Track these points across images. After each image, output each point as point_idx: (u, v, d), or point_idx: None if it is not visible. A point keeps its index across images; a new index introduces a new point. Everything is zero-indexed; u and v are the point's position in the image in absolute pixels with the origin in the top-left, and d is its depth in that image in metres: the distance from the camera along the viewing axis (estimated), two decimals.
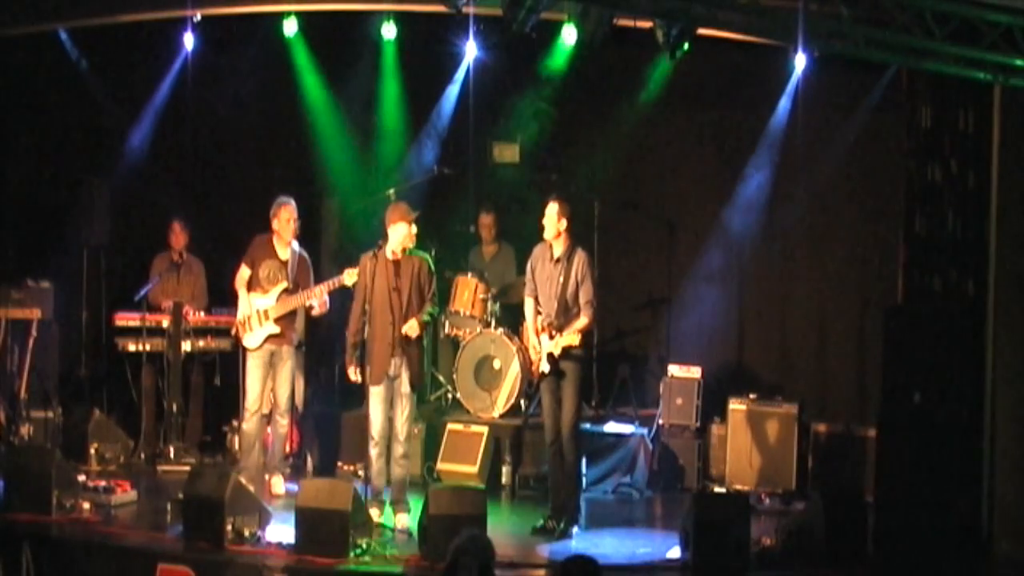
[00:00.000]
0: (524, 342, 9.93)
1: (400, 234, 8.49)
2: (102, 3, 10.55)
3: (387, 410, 8.55)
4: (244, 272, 9.44)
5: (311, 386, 10.82)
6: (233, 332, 9.60)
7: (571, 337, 8.37)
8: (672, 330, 10.98)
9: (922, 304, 8.80)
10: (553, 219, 8.48)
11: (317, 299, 9.33)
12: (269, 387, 9.47)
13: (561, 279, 8.48)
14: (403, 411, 8.54)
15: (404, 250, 8.52)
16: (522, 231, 11.02)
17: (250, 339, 9.36)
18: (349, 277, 8.87)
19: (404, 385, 8.52)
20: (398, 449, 8.58)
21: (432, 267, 8.71)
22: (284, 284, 9.35)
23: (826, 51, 9.13)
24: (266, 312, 9.33)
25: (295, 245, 9.50)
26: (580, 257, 8.52)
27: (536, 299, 8.67)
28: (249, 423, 9.41)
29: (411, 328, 8.43)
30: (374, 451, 8.58)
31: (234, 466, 9.65)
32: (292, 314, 9.45)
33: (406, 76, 11.34)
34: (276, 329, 9.34)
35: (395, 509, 8.60)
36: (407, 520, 8.48)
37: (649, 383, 10.87)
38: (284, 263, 9.42)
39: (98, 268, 10.92)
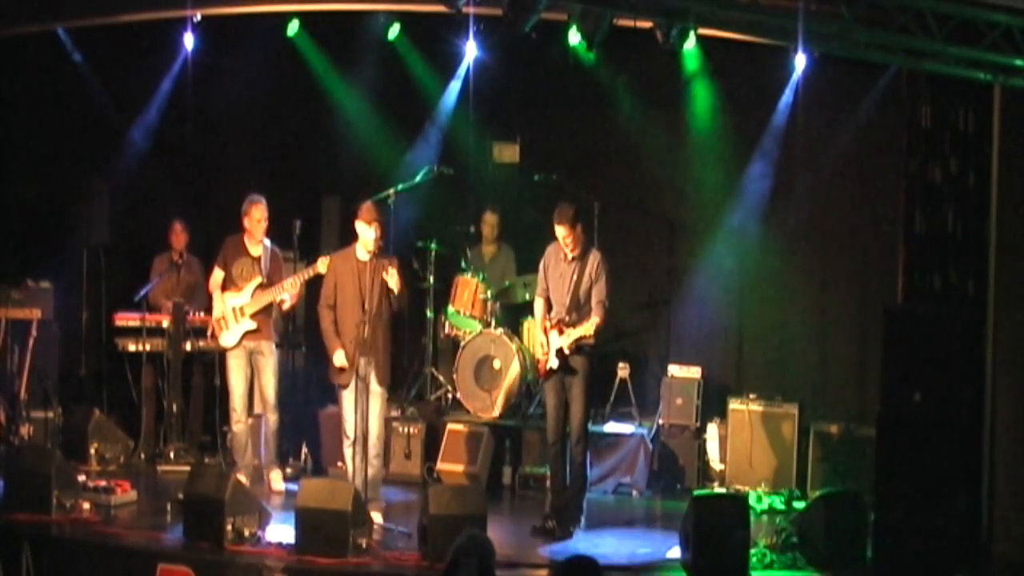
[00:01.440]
0: (525, 342, 9.97)
1: (361, 233, 8.46)
2: (102, 3, 10.54)
3: (362, 409, 8.49)
4: (217, 274, 9.50)
5: (310, 386, 10.80)
6: (209, 332, 9.63)
7: (584, 328, 8.32)
8: (672, 330, 10.97)
9: (922, 304, 8.80)
10: (569, 236, 8.41)
11: (290, 291, 9.31)
12: (256, 386, 9.48)
13: (574, 277, 8.46)
14: (374, 410, 8.51)
15: (375, 250, 8.45)
16: (522, 231, 11.05)
17: (227, 338, 9.39)
18: (323, 264, 8.85)
19: (373, 384, 8.51)
20: (371, 449, 8.55)
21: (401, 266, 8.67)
22: (258, 279, 9.39)
23: (826, 51, 9.15)
24: (241, 309, 9.37)
25: (266, 241, 9.53)
26: (595, 257, 8.49)
27: (547, 299, 8.65)
28: (238, 424, 9.45)
29: (391, 278, 8.38)
30: (349, 451, 8.56)
31: (233, 466, 9.66)
32: (269, 309, 9.45)
33: (406, 76, 11.34)
34: (253, 325, 9.36)
35: (368, 508, 8.55)
36: (378, 518, 8.45)
37: (649, 383, 10.86)
38: (256, 259, 9.46)
39: (98, 268, 10.92)
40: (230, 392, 9.46)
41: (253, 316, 9.37)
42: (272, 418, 9.52)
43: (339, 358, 8.52)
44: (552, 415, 8.62)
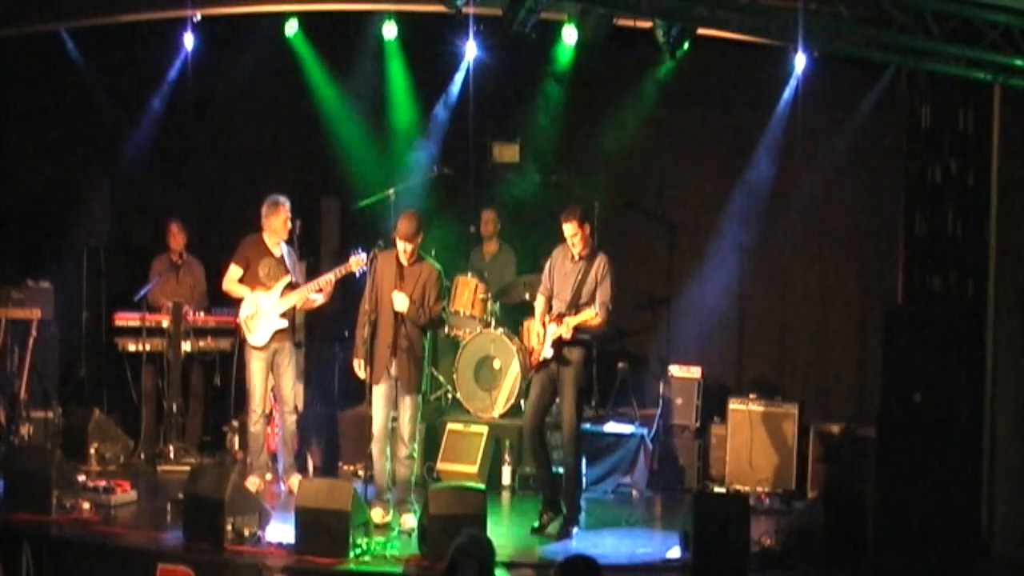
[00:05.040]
0: (525, 341, 9.97)
1: (400, 247, 8.50)
2: (102, 3, 10.54)
3: (389, 410, 8.57)
4: (235, 272, 9.41)
5: (310, 386, 10.82)
6: (239, 332, 9.53)
7: (585, 314, 8.32)
8: (672, 330, 10.97)
9: (922, 304, 8.80)
10: (577, 235, 8.41)
11: (326, 289, 9.30)
12: (271, 386, 9.48)
13: (579, 276, 8.46)
14: (406, 412, 8.55)
15: (413, 256, 8.50)
16: (522, 231, 11.06)
17: (257, 337, 9.34)
18: (356, 265, 8.88)
19: (402, 388, 8.53)
20: (402, 450, 8.58)
21: (442, 278, 8.68)
22: (288, 278, 9.38)
23: (826, 51, 9.14)
24: (272, 308, 9.33)
25: (283, 243, 9.54)
26: (602, 259, 8.48)
27: (548, 298, 8.66)
28: (258, 424, 9.42)
29: (399, 302, 8.41)
30: (375, 449, 8.59)
31: (234, 466, 9.65)
32: (294, 310, 9.46)
33: (406, 76, 11.35)
34: (284, 324, 9.35)
35: (400, 510, 8.59)
36: (413, 521, 8.46)
37: (649, 383, 10.86)
38: (280, 259, 9.44)
39: (98, 268, 10.92)
40: (250, 391, 9.39)
41: (283, 315, 9.37)
42: (291, 419, 9.52)
43: (357, 367, 8.60)
44: (531, 407, 8.61)
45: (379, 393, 8.54)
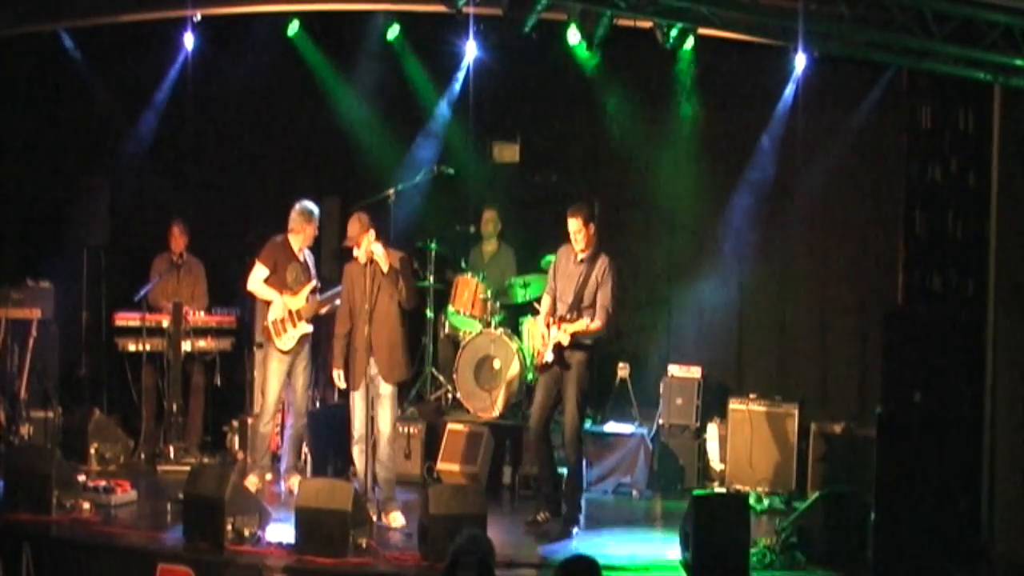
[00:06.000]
0: (525, 341, 9.97)
1: (355, 253, 8.51)
2: (102, 3, 10.54)
3: (369, 410, 8.52)
4: (262, 271, 9.36)
5: (310, 387, 10.81)
6: (265, 336, 9.41)
7: (582, 322, 8.31)
8: (672, 330, 10.97)
9: (922, 304, 8.80)
10: (581, 232, 8.40)
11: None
12: (288, 389, 9.47)
13: (581, 278, 8.46)
14: (383, 411, 8.53)
15: (366, 261, 8.45)
16: (522, 231, 11.05)
17: (285, 341, 9.30)
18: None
19: (382, 386, 8.52)
20: (381, 451, 8.57)
21: (407, 262, 8.68)
22: (313, 284, 9.39)
23: (826, 51, 9.15)
24: (299, 312, 9.32)
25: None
26: (604, 261, 8.46)
27: (553, 298, 8.66)
28: (268, 425, 9.40)
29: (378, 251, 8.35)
30: (356, 449, 8.58)
31: (234, 466, 9.65)
32: (316, 315, 9.46)
33: (406, 76, 11.35)
34: (310, 329, 9.35)
35: (386, 509, 8.58)
36: (401, 519, 8.48)
37: (649, 383, 10.86)
38: (304, 264, 9.46)
39: (98, 268, 10.92)
40: (265, 393, 9.37)
41: (309, 320, 9.36)
42: (301, 421, 9.52)
43: (337, 378, 8.64)
44: (536, 409, 8.64)
45: (358, 395, 8.51)
